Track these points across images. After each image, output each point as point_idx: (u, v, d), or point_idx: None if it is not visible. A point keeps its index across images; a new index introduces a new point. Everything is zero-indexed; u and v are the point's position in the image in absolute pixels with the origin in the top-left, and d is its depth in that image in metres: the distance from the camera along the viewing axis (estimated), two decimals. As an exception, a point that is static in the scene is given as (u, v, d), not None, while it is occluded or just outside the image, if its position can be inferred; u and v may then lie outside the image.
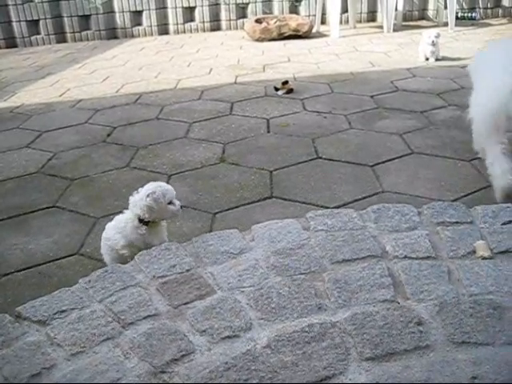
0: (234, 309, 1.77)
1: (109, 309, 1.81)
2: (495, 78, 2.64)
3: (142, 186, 2.24)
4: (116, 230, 2.27)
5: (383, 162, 3.24)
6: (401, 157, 3.31)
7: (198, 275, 1.96)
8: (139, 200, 2.21)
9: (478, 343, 1.54)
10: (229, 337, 1.65)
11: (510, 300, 1.72)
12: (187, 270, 1.99)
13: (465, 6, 8.21)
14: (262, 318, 1.72)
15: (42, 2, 7.63)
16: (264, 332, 1.66)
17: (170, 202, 2.25)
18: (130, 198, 2.26)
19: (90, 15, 7.88)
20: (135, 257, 2.10)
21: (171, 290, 1.89)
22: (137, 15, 8.07)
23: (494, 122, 2.60)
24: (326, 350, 1.53)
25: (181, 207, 2.30)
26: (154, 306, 1.82)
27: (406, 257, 2.01)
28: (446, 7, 7.45)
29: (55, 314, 1.80)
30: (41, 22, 7.76)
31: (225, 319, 1.72)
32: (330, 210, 2.45)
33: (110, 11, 7.95)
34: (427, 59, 5.66)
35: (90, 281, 1.98)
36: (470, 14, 8.13)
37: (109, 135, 3.96)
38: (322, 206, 2.75)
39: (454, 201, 2.71)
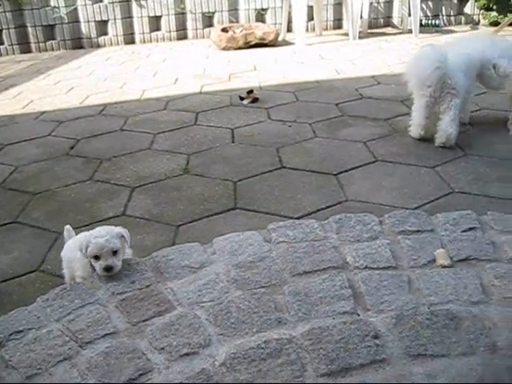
0: (193, 325, 1.75)
1: (66, 328, 1.78)
2: (424, 53, 3.51)
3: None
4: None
5: (347, 171, 3.25)
6: (365, 165, 3.32)
7: (158, 291, 1.94)
8: None
9: (433, 355, 1.55)
10: (187, 354, 1.63)
11: (468, 309, 1.74)
12: (147, 286, 1.97)
13: (429, 14, 8.32)
14: (221, 334, 1.71)
15: (5, 12, 7.51)
16: (223, 348, 1.64)
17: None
18: None
19: (54, 25, 7.78)
20: (95, 273, 2.07)
21: (130, 307, 1.87)
22: (102, 25, 7.99)
23: (419, 81, 3.48)
24: (282, 367, 1.52)
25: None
26: (112, 323, 1.79)
27: (366, 267, 2.01)
28: (410, 14, 7.53)
29: (11, 334, 1.77)
30: (4, 31, 7.63)
31: (184, 336, 1.70)
32: (291, 221, 2.44)
33: (75, 21, 7.85)
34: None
35: (47, 299, 1.94)
36: (433, 21, 8.23)
37: (72, 148, 3.90)
38: (285, 217, 2.75)
39: (417, 208, 2.73)
